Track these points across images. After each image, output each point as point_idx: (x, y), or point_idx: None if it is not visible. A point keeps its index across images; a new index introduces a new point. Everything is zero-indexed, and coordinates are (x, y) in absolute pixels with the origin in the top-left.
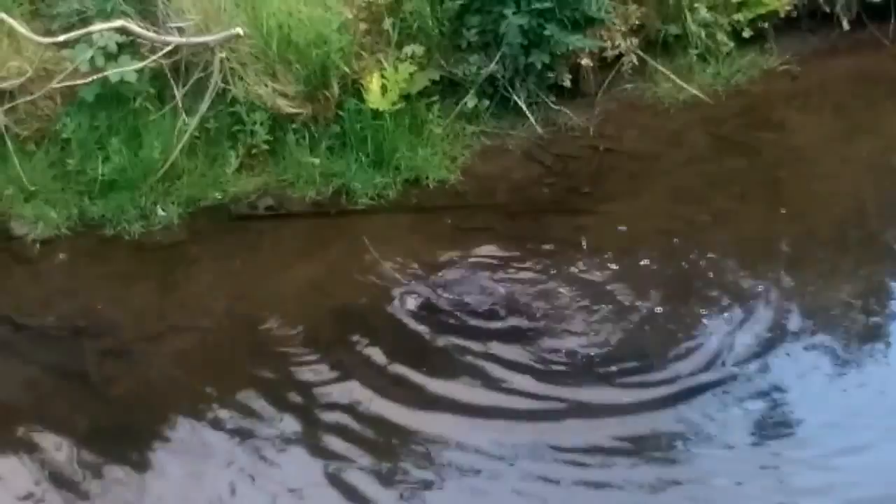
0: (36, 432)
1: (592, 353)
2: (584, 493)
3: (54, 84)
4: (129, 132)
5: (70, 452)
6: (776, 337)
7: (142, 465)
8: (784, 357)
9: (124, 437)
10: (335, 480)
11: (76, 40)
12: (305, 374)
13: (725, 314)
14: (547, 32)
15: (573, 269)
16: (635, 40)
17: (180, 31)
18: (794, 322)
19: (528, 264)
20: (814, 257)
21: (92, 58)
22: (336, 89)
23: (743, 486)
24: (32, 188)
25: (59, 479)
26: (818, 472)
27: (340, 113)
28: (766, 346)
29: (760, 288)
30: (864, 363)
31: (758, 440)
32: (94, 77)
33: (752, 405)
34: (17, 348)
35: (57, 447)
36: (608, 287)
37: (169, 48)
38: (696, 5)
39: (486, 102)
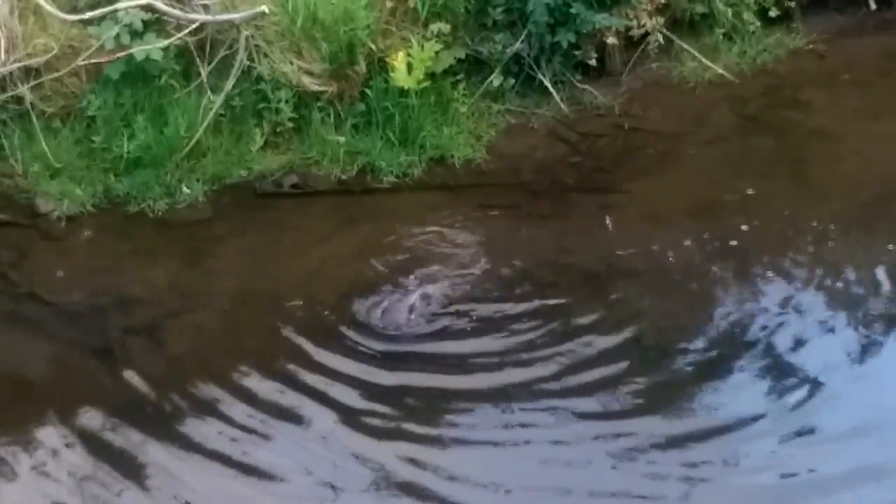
0: (59, 407)
1: (615, 328)
2: (606, 458)
3: (80, 61)
4: (155, 110)
5: (93, 427)
6: (802, 316)
7: (164, 440)
8: (809, 336)
9: (147, 412)
10: (355, 457)
11: (102, 17)
12: (329, 351)
13: (750, 293)
14: (573, 11)
15: (597, 248)
16: (661, 19)
17: (206, 8)
18: (820, 301)
19: (551, 242)
20: (841, 237)
21: (117, 35)
22: (362, 67)
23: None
24: (58, 165)
25: (81, 454)
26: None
27: (366, 91)
28: (792, 326)
29: (786, 268)
30: (892, 343)
31: (783, 417)
32: (120, 54)
33: (774, 383)
34: (42, 324)
35: (80, 422)
36: (632, 265)
37: (194, 26)
38: None
39: (512, 81)
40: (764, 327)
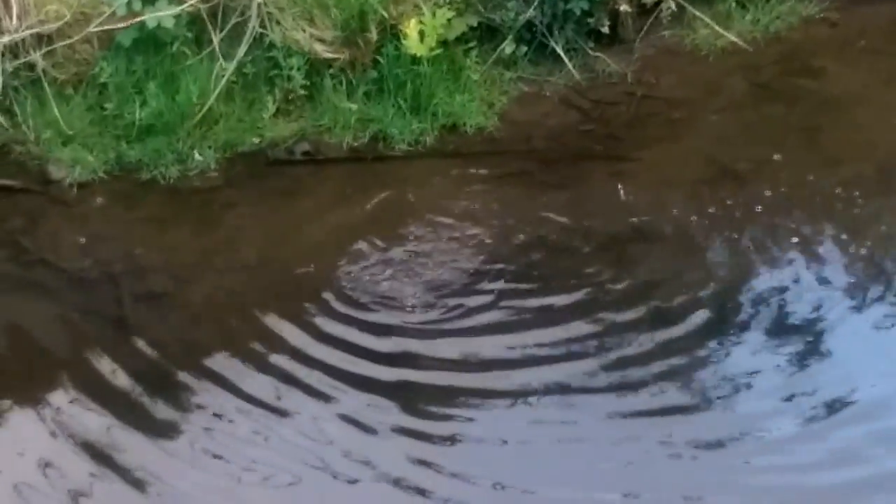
0: (68, 374)
1: (625, 295)
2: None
3: (92, 28)
4: (167, 77)
5: (105, 395)
6: (814, 285)
7: (176, 407)
8: (823, 304)
9: (159, 380)
10: (364, 427)
11: None
12: (340, 318)
13: (763, 260)
14: None
15: (611, 214)
16: None
17: None
18: (832, 269)
19: (564, 209)
20: (853, 204)
21: (129, 2)
22: (374, 34)
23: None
24: (70, 132)
25: (93, 422)
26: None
27: (378, 58)
28: (805, 294)
29: (799, 236)
30: None
31: (793, 388)
32: (132, 21)
33: (786, 356)
34: (53, 291)
35: (92, 390)
36: (645, 231)
37: None
38: None
39: (524, 48)
40: (776, 294)
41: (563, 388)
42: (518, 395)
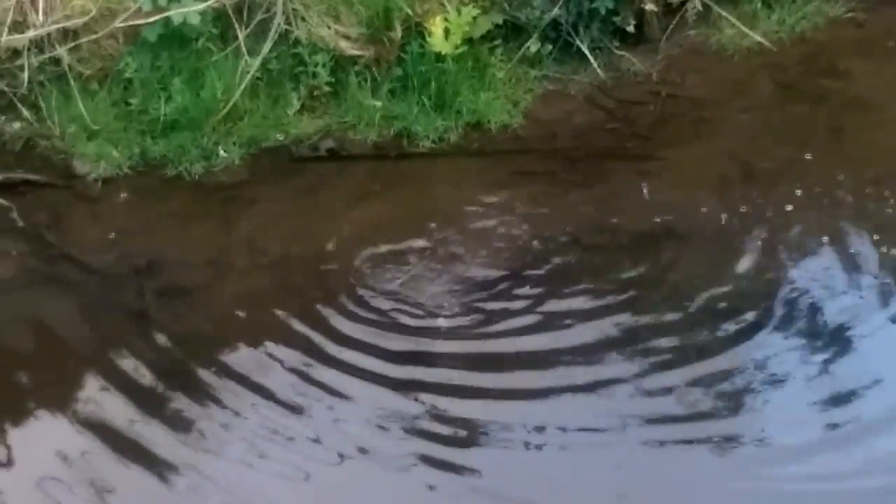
0: (95, 370)
1: (656, 298)
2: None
3: (117, 23)
4: (192, 73)
5: (128, 390)
6: (847, 289)
7: (199, 403)
8: (855, 309)
9: (180, 376)
10: (388, 425)
11: None
12: (362, 317)
13: (794, 262)
14: None
15: (636, 214)
16: None
17: None
18: (864, 272)
19: (590, 208)
20: (885, 204)
21: None
22: (399, 32)
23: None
24: (95, 127)
25: (116, 418)
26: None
27: (403, 56)
28: (837, 298)
29: (824, 237)
30: None
31: (823, 395)
32: (157, 17)
33: (815, 362)
34: (76, 286)
35: (116, 385)
36: (673, 231)
37: None
38: None
39: (549, 47)
40: (800, 296)
41: (589, 396)
42: (542, 398)
